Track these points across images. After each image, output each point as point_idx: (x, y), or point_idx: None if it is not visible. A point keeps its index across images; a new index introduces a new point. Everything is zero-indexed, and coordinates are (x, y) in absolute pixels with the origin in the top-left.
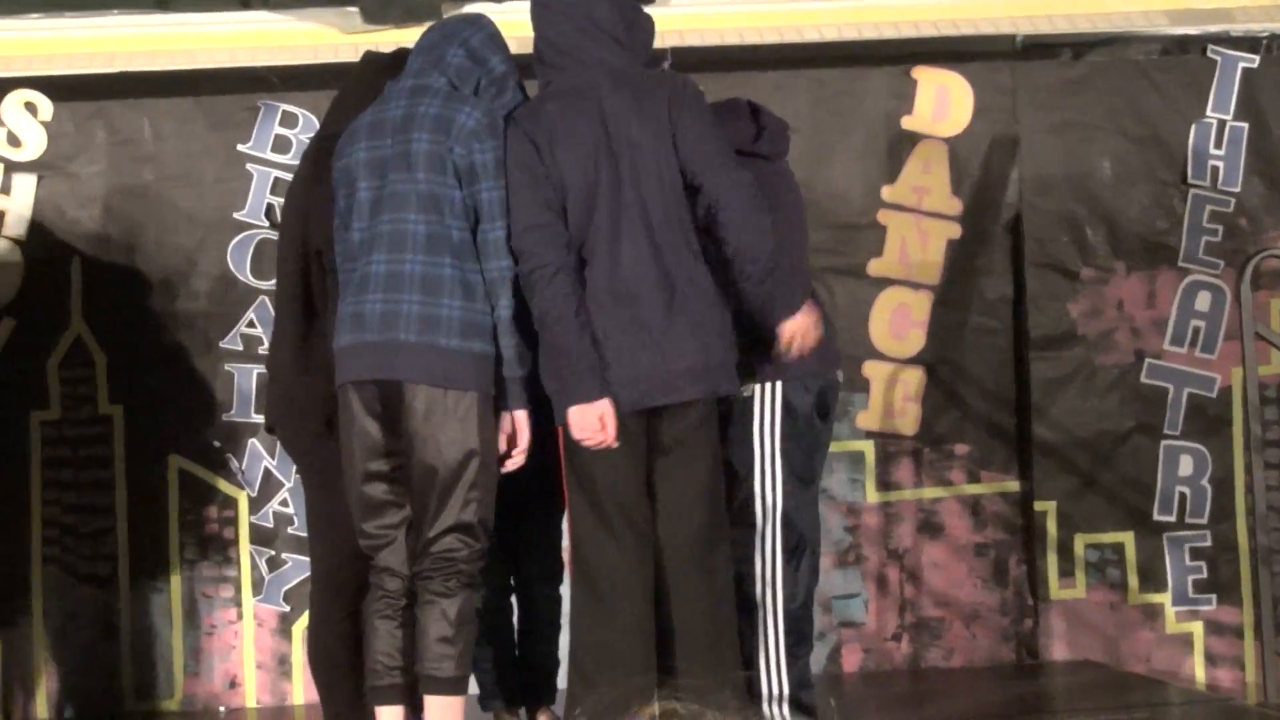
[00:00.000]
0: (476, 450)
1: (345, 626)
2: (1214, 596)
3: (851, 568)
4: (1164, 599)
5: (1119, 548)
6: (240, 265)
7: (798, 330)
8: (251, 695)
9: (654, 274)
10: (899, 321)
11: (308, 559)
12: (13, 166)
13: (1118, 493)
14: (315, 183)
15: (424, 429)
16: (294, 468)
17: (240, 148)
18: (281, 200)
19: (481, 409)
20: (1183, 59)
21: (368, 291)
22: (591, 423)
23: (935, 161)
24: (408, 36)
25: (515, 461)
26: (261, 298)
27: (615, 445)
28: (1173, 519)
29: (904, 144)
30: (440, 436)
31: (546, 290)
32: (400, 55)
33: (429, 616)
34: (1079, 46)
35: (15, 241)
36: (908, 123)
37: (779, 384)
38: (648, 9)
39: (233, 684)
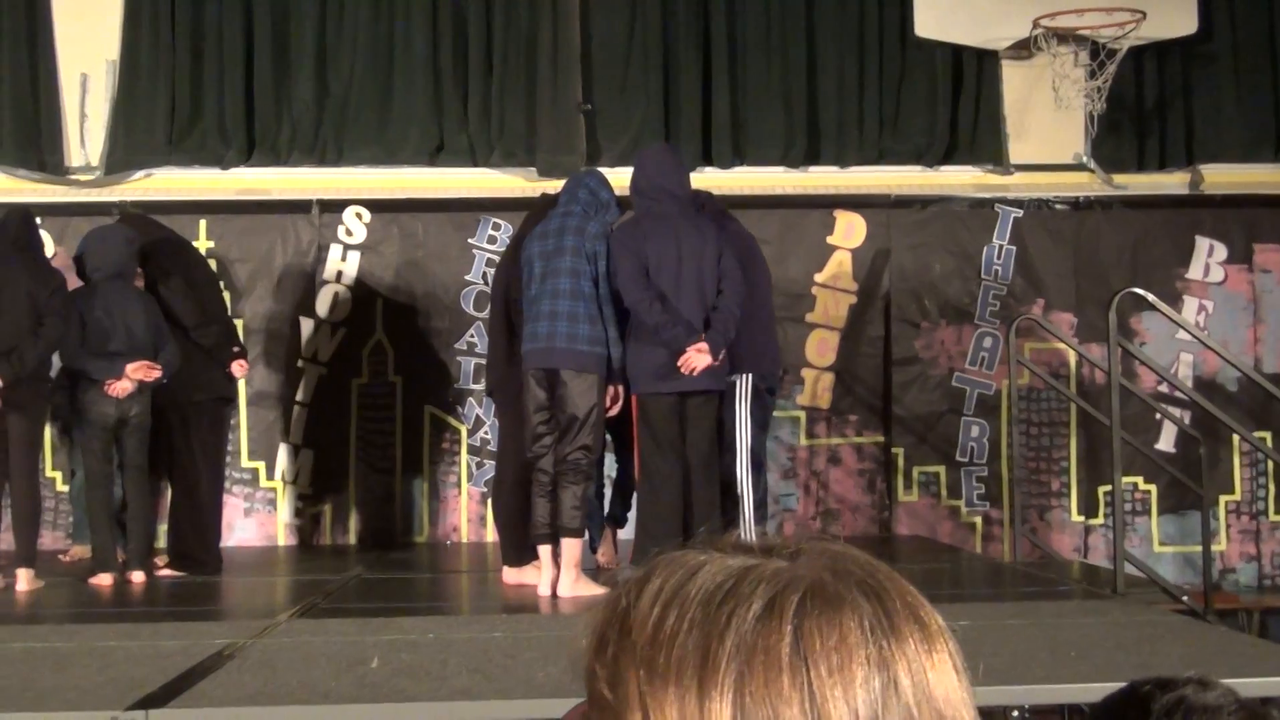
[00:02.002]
0: (595, 404)
1: (518, 498)
2: (988, 503)
3: (790, 479)
4: (960, 503)
5: (937, 474)
6: (467, 304)
7: (695, 357)
8: (464, 535)
9: (696, 316)
10: (822, 347)
11: (494, 463)
12: (349, 247)
13: (937, 444)
14: (512, 262)
15: (569, 393)
16: (492, 413)
17: (469, 241)
18: (492, 271)
19: (599, 383)
20: (981, 210)
21: (540, 321)
22: (695, 354)
23: (844, 261)
24: (560, 184)
25: (613, 411)
26: (477, 322)
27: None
28: (967, 460)
29: (827, 251)
30: (577, 397)
31: (653, 309)
32: (557, 195)
33: (565, 495)
34: (925, 201)
35: (348, 287)
36: (830, 240)
37: (749, 375)
38: (692, 173)
39: (454, 529)
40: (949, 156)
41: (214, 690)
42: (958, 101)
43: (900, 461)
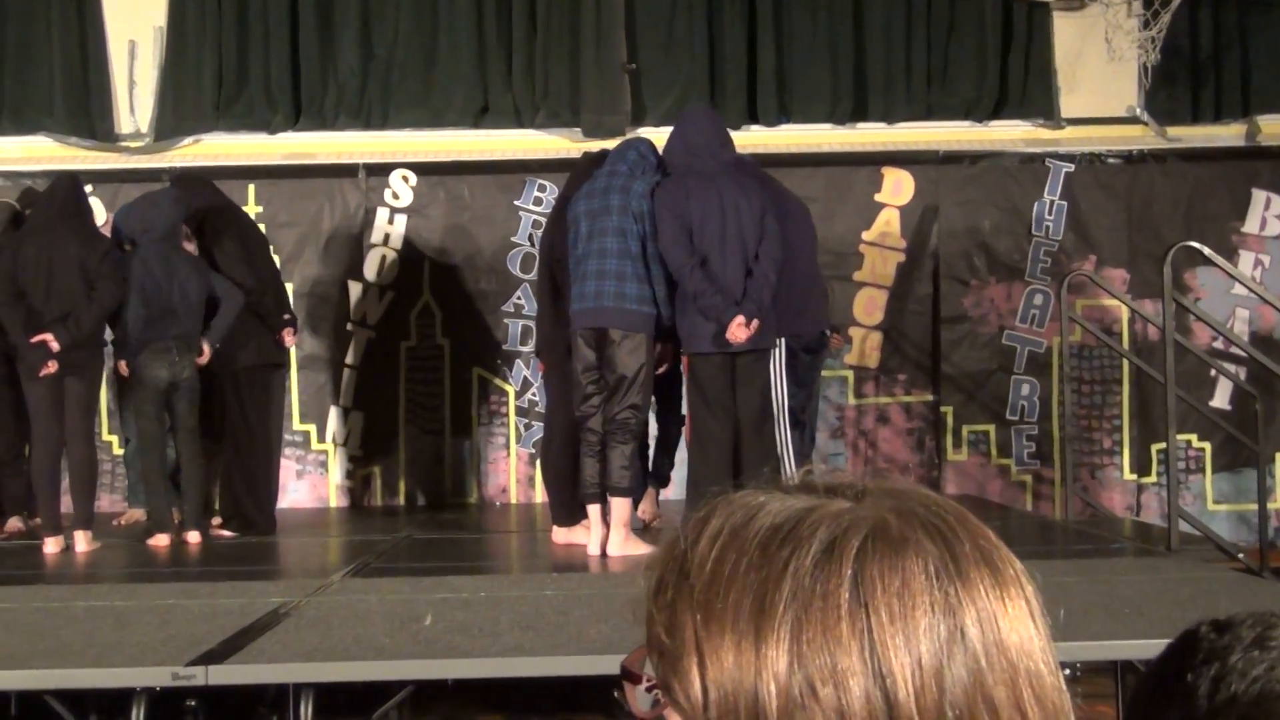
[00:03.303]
0: (644, 364)
1: (567, 458)
2: (1038, 462)
3: (839, 439)
4: (1010, 462)
5: (987, 433)
6: (514, 266)
7: (737, 331)
8: (514, 496)
9: (740, 275)
10: (870, 306)
11: (542, 424)
12: (396, 210)
13: (986, 403)
14: (558, 223)
15: (618, 353)
16: (539, 374)
17: (515, 202)
18: (539, 232)
19: (647, 343)
20: (1031, 165)
21: (587, 281)
22: (736, 329)
23: (892, 219)
24: (605, 144)
25: (662, 371)
26: (524, 284)
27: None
28: (1017, 418)
29: (875, 209)
30: (626, 357)
31: (693, 276)
32: (602, 154)
33: (614, 454)
34: (974, 157)
35: (395, 251)
36: (878, 197)
37: (783, 338)
38: (734, 133)
39: (503, 490)
40: (999, 111)
41: (271, 647)
42: (1008, 54)
43: (949, 420)
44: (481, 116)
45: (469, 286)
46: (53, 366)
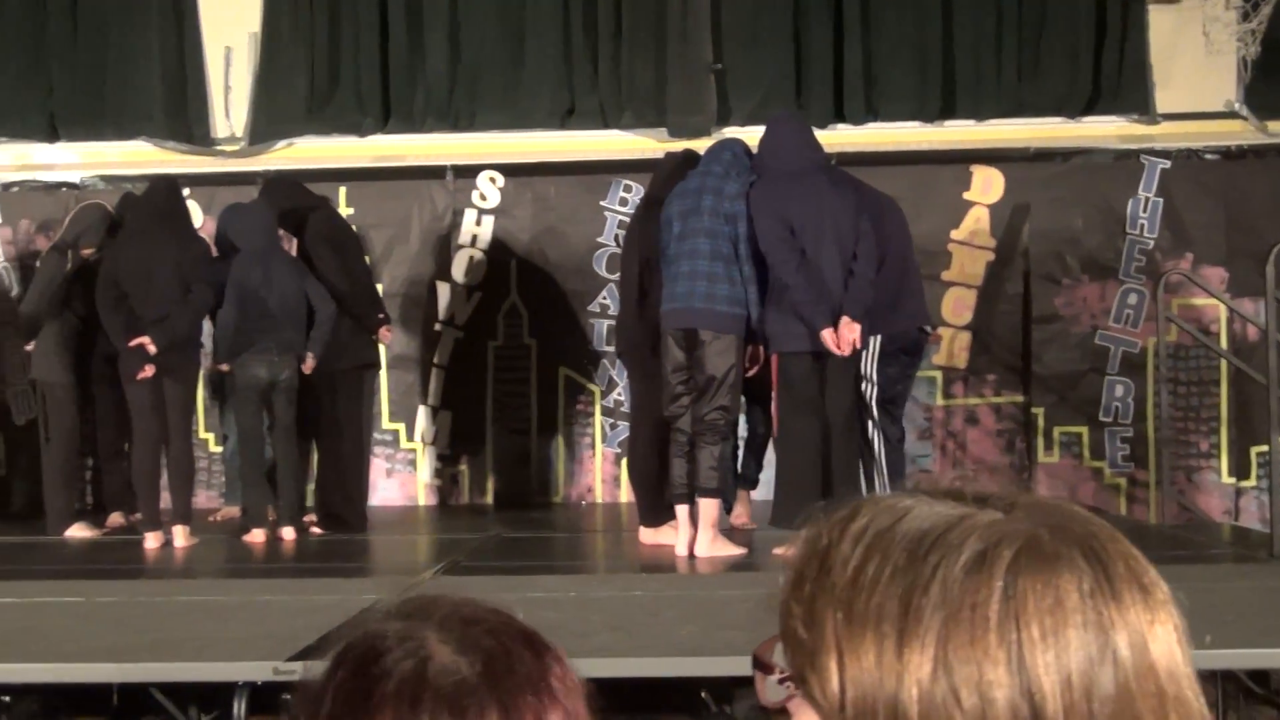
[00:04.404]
0: (734, 365)
1: (653, 459)
2: (1133, 464)
3: (926, 440)
4: (1103, 464)
5: (1079, 435)
6: (599, 266)
7: (842, 336)
8: (599, 495)
9: (838, 276)
10: (958, 306)
11: (627, 424)
12: (483, 211)
13: (1079, 405)
14: (644, 223)
15: (707, 354)
16: (624, 374)
17: (601, 203)
18: (623, 232)
19: (738, 344)
20: (1125, 162)
21: (679, 282)
22: (830, 336)
23: (981, 217)
24: (691, 144)
25: (752, 372)
26: (609, 284)
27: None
28: (1111, 420)
29: (964, 207)
30: (716, 358)
31: (796, 276)
32: (691, 154)
33: (703, 455)
34: (1066, 154)
35: (483, 251)
36: (966, 195)
37: (878, 337)
38: (820, 132)
39: (589, 489)
40: (1091, 107)
41: None
42: (1101, 49)
43: (1040, 422)
44: (567, 118)
45: (555, 287)
46: (149, 370)
